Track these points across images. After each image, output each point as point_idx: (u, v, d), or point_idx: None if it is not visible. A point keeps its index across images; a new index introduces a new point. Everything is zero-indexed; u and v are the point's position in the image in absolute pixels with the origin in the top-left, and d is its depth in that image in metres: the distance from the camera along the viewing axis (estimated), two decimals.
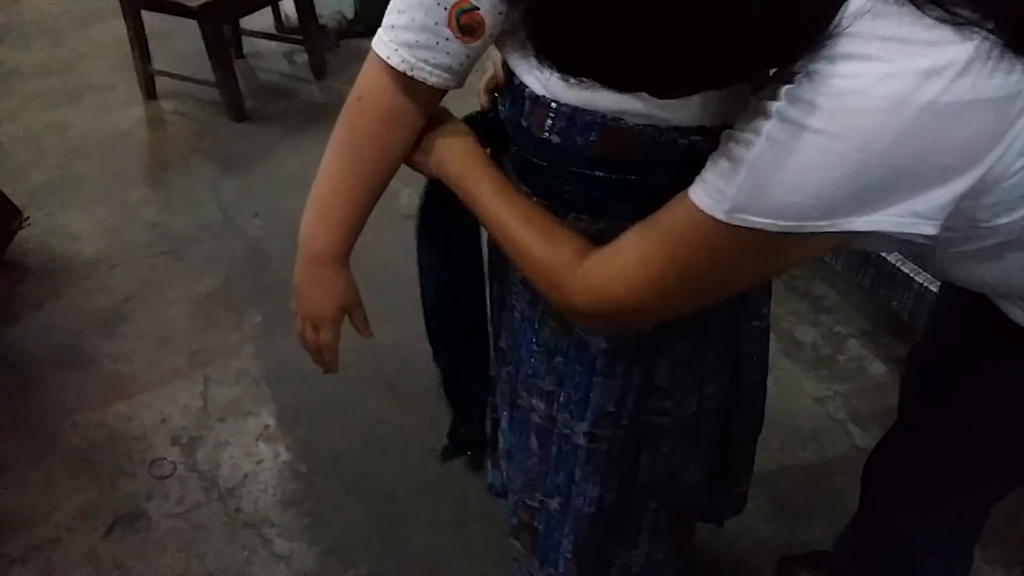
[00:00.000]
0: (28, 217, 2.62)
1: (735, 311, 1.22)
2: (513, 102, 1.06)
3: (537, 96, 1.00)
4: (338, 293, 1.14)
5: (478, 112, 1.18)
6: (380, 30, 0.98)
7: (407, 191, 2.85)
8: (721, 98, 0.97)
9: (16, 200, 2.61)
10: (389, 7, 0.97)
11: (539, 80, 1.00)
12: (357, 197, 1.07)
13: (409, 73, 0.97)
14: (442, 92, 1.02)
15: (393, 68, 0.97)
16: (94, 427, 2.12)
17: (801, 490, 1.93)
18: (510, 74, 1.05)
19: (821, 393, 2.16)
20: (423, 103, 1.02)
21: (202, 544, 1.85)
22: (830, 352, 2.27)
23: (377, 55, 0.99)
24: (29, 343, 2.36)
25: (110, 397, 2.19)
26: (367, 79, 1.02)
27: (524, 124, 1.04)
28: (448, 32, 0.94)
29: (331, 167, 1.07)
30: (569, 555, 1.33)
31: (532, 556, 1.38)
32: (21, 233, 2.61)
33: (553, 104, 0.99)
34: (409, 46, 0.96)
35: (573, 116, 0.98)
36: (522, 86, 1.02)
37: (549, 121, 1.00)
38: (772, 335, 2.27)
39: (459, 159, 1.05)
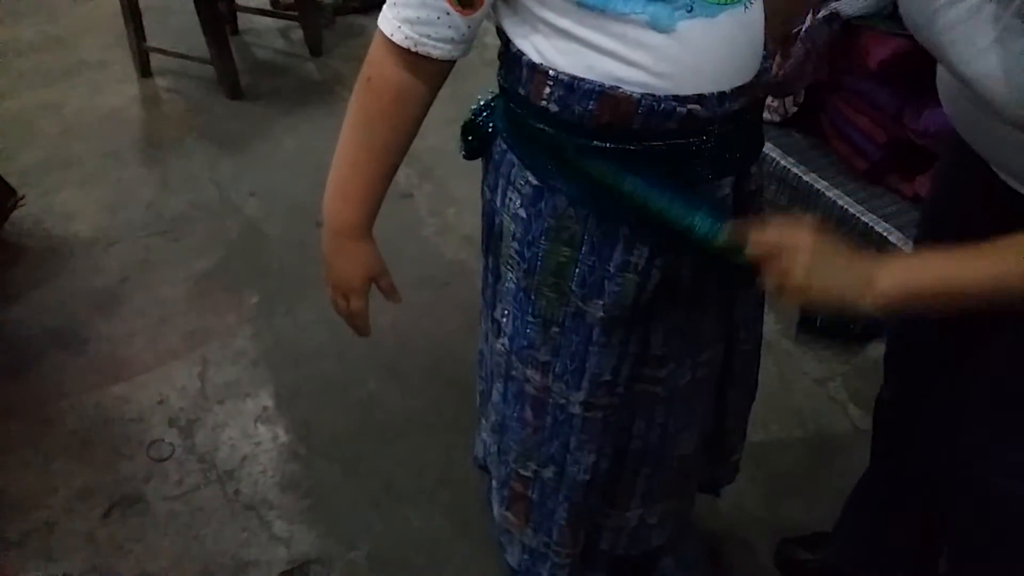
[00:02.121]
0: (23, 197, 2.60)
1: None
2: (510, 70, 1.07)
3: (535, 64, 1.02)
4: (363, 263, 1.18)
5: (472, 118, 1.20)
6: (384, 7, 1.00)
7: (405, 170, 2.84)
8: (721, 65, 0.99)
9: (10, 179, 2.58)
10: None
11: (536, 47, 1.01)
12: (373, 173, 1.11)
13: (413, 49, 0.99)
14: (450, 64, 1.03)
15: (398, 45, 0.99)
16: (91, 409, 2.10)
17: (800, 471, 1.93)
18: (506, 40, 1.06)
19: (821, 374, 2.15)
20: (431, 78, 1.03)
21: (201, 526, 1.85)
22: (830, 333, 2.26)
23: (382, 33, 1.00)
24: (25, 324, 2.35)
25: (107, 379, 2.18)
26: (375, 58, 1.03)
27: (521, 92, 1.05)
28: (447, 6, 0.96)
29: (347, 145, 1.10)
30: (563, 522, 1.35)
31: (525, 526, 1.40)
32: (16, 213, 2.59)
33: (551, 72, 1.00)
34: (411, 22, 0.97)
35: (572, 84, 0.99)
36: (519, 53, 1.04)
37: (547, 89, 1.01)
38: (772, 316, 2.29)
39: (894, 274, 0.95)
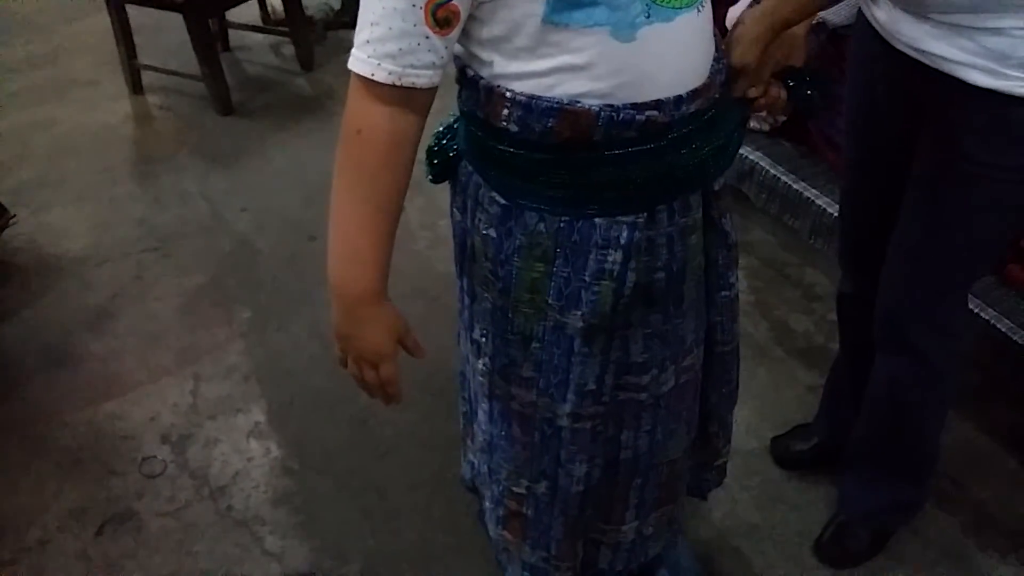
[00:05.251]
0: (14, 215, 2.60)
1: (703, 283, 1.24)
2: (467, 93, 1.07)
3: (492, 87, 1.02)
4: (390, 326, 1.12)
5: (435, 142, 1.20)
6: (354, 49, 0.97)
7: None
8: (678, 68, 1.02)
9: (2, 198, 2.59)
10: (359, 23, 0.96)
11: (493, 69, 1.01)
12: (383, 227, 1.05)
13: (398, 83, 0.96)
14: (434, 92, 1.00)
15: (381, 84, 0.96)
16: (83, 427, 2.10)
17: (793, 478, 1.93)
18: (462, 65, 1.06)
19: (814, 382, 2.15)
20: (420, 109, 1.01)
21: (193, 543, 1.84)
22: (823, 340, 2.26)
23: (361, 77, 0.97)
24: (17, 342, 2.35)
25: (99, 396, 2.18)
26: (360, 109, 0.99)
27: (480, 115, 1.05)
28: (427, 30, 0.94)
29: (347, 207, 1.04)
30: (560, 536, 1.35)
31: (523, 543, 1.40)
32: (7, 231, 2.59)
33: (508, 93, 1.00)
34: (392, 56, 0.95)
35: (529, 104, 1.00)
36: (476, 77, 1.04)
37: (505, 111, 1.01)
38: (764, 324, 2.29)
39: None
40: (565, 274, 1.10)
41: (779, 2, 1.16)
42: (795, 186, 2.37)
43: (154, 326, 2.39)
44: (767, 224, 2.61)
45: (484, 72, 1.03)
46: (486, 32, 0.99)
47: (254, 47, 3.87)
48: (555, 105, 0.99)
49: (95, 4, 3.46)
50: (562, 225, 1.08)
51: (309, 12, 3.78)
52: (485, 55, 1.02)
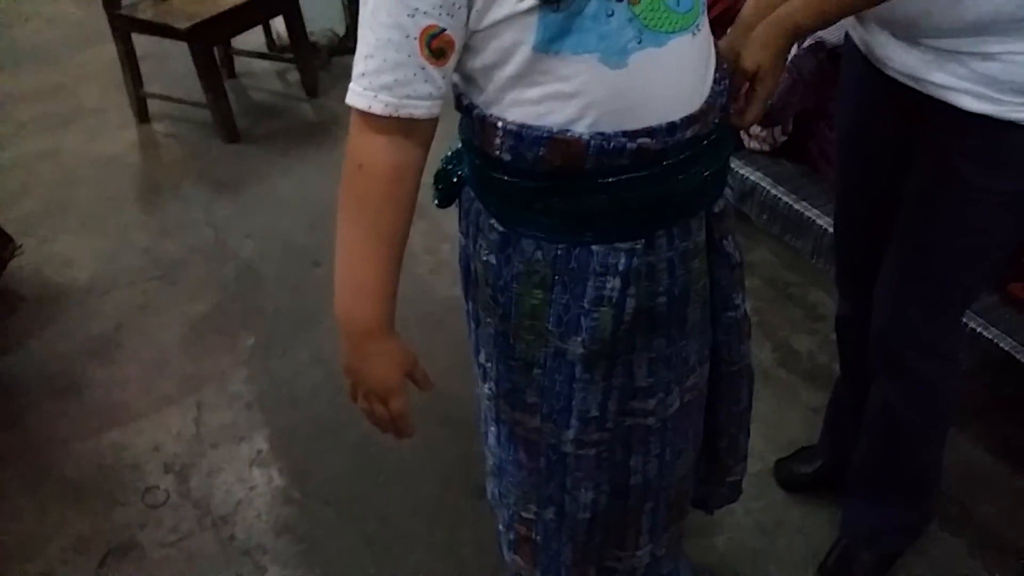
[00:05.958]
0: (20, 245, 2.62)
1: (709, 304, 1.23)
2: (466, 122, 1.07)
3: (484, 115, 1.02)
4: (398, 360, 1.11)
5: (444, 166, 1.20)
6: (351, 83, 0.97)
7: None
8: (670, 94, 1.01)
9: (9, 228, 2.61)
10: (355, 57, 0.96)
11: (485, 98, 1.02)
12: (387, 260, 1.05)
13: (395, 114, 0.96)
14: (434, 124, 1.01)
15: (379, 116, 0.96)
16: (87, 456, 2.11)
17: (797, 501, 1.91)
18: (457, 94, 1.06)
19: (818, 403, 2.13)
20: (421, 141, 1.01)
21: (196, 573, 1.84)
22: (826, 361, 2.25)
23: (358, 111, 0.97)
24: (22, 372, 2.36)
25: (103, 425, 2.18)
26: (360, 143, 0.99)
27: (476, 143, 1.06)
28: (422, 61, 0.94)
29: (351, 241, 1.04)
30: (570, 563, 1.34)
31: (533, 568, 1.39)
32: (14, 262, 2.61)
33: (499, 124, 1.01)
34: (388, 88, 0.95)
35: (520, 133, 1.00)
36: (470, 106, 1.04)
37: (498, 140, 1.01)
38: (768, 344, 2.28)
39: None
40: (564, 301, 1.10)
41: (795, 6, 1.16)
42: (796, 206, 2.37)
43: (158, 354, 2.40)
44: (770, 244, 2.60)
45: (477, 100, 1.03)
46: (479, 61, 0.99)
47: (259, 74, 3.89)
48: (545, 134, 0.98)
49: (102, 33, 3.49)
50: (559, 252, 1.08)
51: (314, 38, 3.80)
52: (478, 83, 1.02)
